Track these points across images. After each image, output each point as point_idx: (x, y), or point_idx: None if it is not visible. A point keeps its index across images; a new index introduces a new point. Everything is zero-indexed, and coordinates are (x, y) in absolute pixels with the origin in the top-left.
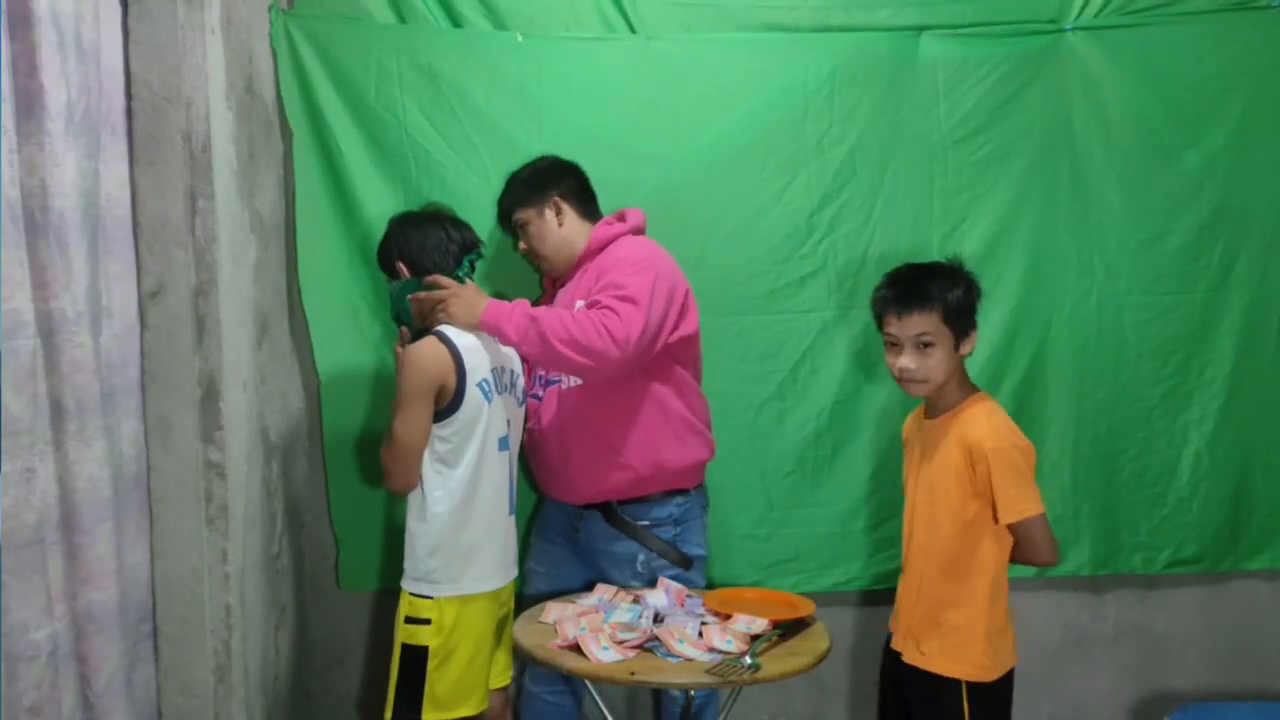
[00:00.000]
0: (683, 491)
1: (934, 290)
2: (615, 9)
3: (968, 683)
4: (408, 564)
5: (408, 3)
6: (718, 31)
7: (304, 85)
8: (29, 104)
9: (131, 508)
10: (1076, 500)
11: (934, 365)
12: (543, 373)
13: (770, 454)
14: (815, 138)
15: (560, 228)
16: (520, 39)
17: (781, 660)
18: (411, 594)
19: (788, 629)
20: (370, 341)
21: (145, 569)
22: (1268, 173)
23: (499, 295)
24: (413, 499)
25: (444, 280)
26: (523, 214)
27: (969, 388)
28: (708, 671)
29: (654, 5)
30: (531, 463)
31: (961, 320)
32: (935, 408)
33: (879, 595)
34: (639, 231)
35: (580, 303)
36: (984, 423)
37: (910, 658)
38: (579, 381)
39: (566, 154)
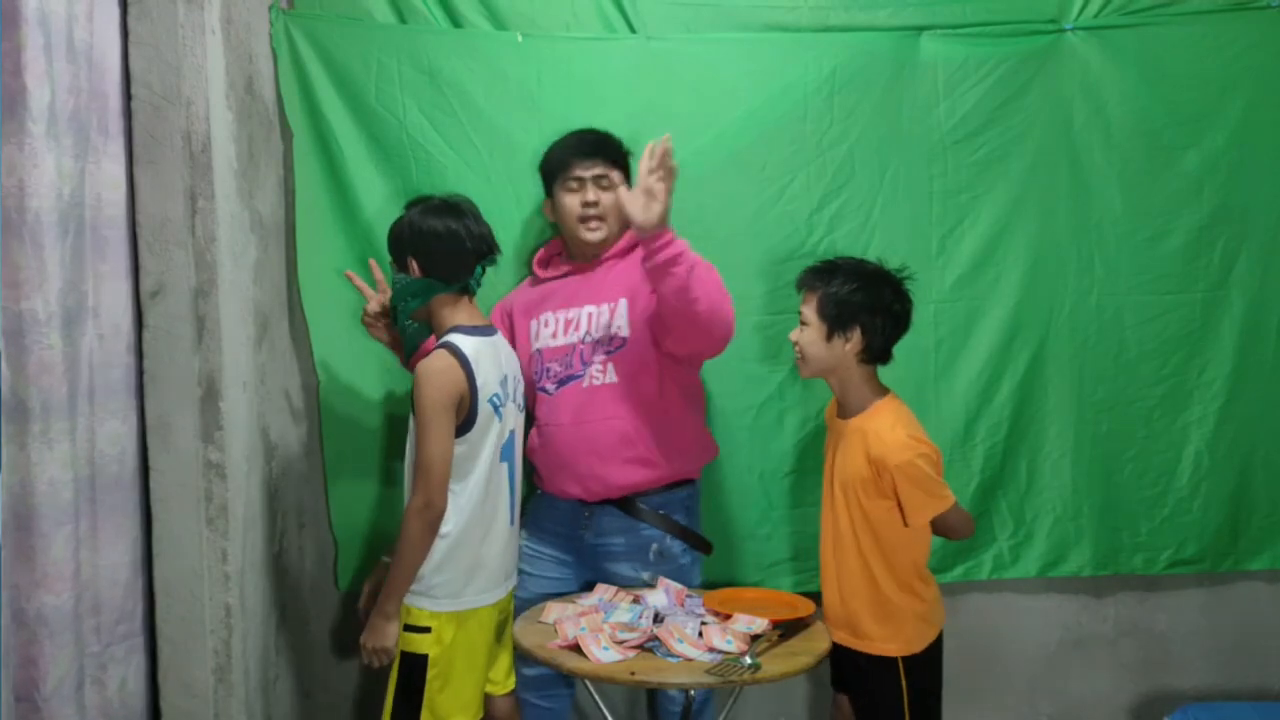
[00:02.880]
0: (690, 481)
1: (818, 281)
2: (615, 9)
3: (903, 657)
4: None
5: (408, 3)
6: (718, 31)
7: (304, 85)
8: (11, 104)
9: (113, 508)
10: (1076, 500)
11: (804, 343)
12: (558, 368)
13: (770, 454)
14: (815, 138)
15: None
16: (520, 39)
17: (781, 660)
18: (411, 604)
19: (788, 629)
20: (370, 341)
21: (126, 570)
22: (1268, 173)
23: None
24: None
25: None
26: (621, 177)
27: (876, 390)
28: (708, 671)
29: (654, 5)
30: (541, 459)
31: (836, 315)
32: (844, 407)
33: None
34: None
35: (623, 300)
36: (888, 437)
37: (846, 642)
38: (602, 381)
39: None
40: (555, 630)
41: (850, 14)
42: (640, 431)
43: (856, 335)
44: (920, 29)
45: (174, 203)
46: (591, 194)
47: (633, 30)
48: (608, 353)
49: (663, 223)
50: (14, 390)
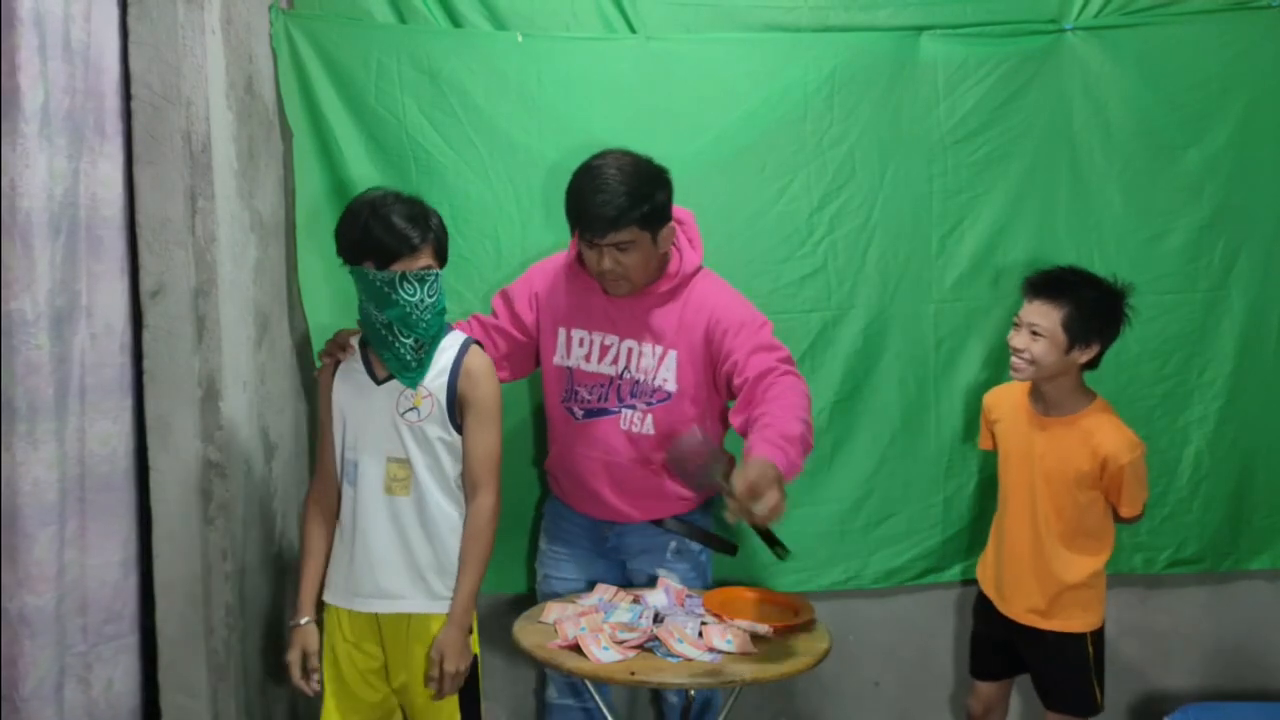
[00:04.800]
0: None
1: (1062, 294)
2: (615, 9)
3: (1091, 632)
4: (443, 585)
5: (408, 3)
6: (718, 31)
7: (304, 85)
8: (4, 105)
9: (103, 509)
10: None
11: (1038, 352)
12: (588, 395)
13: None
14: (815, 138)
15: (660, 253)
16: (520, 39)
17: (781, 660)
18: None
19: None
20: None
21: (115, 570)
22: (1268, 172)
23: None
24: (453, 518)
25: (760, 483)
26: (639, 234)
27: (1087, 394)
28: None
29: (654, 5)
30: (569, 482)
31: (1083, 329)
32: (1051, 405)
33: (879, 594)
34: (695, 243)
35: (673, 353)
36: (1116, 437)
37: (1031, 621)
38: (639, 430)
39: (566, 154)
40: (555, 630)
41: (850, 14)
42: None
43: (1095, 348)
44: (920, 29)
45: (174, 203)
46: (609, 262)
47: (633, 30)
48: (648, 404)
49: (781, 487)
50: (0, 390)
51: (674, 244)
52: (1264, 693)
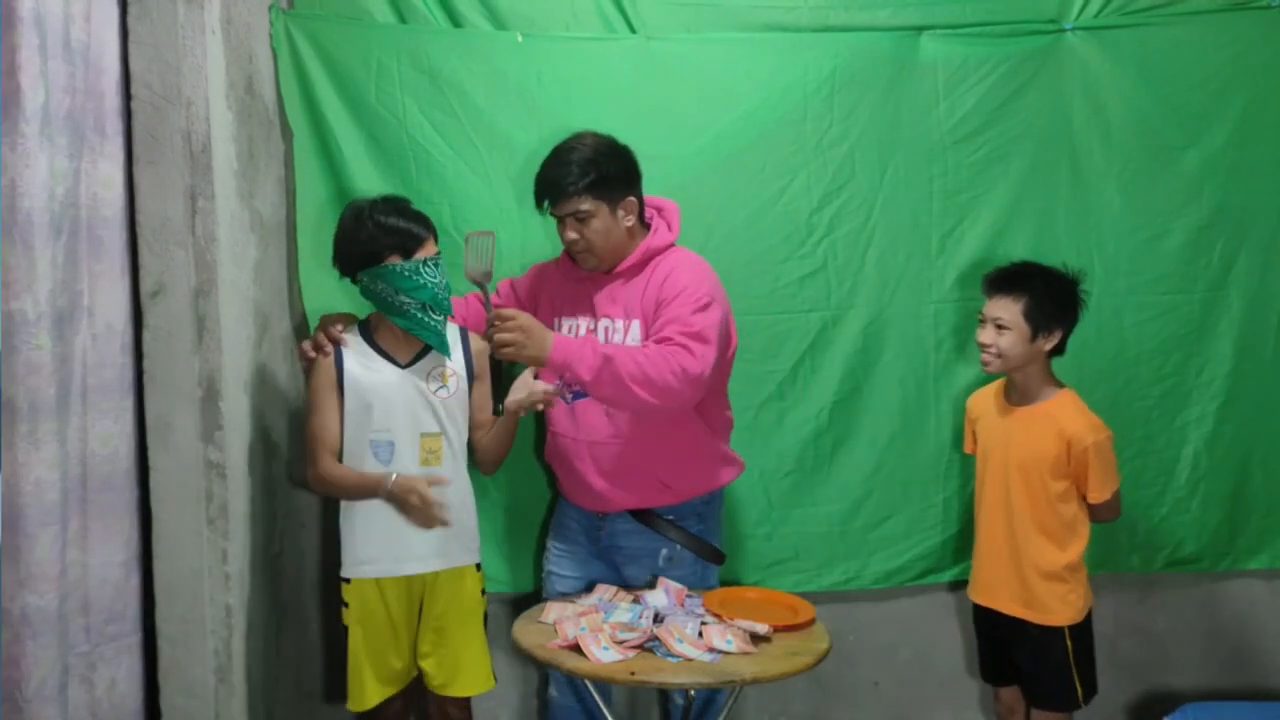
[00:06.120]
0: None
1: (1020, 286)
2: (615, 9)
3: (1069, 626)
4: (472, 540)
5: (408, 3)
6: (718, 31)
7: (304, 85)
8: (4, 105)
9: (104, 509)
10: None
11: (1005, 345)
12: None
13: (770, 454)
14: (815, 138)
15: (627, 227)
16: (520, 39)
17: (781, 660)
18: (477, 564)
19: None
20: None
21: (117, 570)
22: (1267, 173)
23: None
24: (467, 478)
25: (507, 312)
26: (594, 204)
27: (1056, 383)
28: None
29: (654, 5)
30: (560, 470)
31: (1043, 317)
32: (1021, 394)
33: (879, 594)
34: (673, 227)
35: (636, 322)
36: (1080, 420)
37: (1013, 611)
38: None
39: None
40: (555, 630)
41: (850, 14)
42: (657, 459)
43: (1057, 334)
44: (920, 29)
45: (174, 203)
46: (570, 233)
47: (633, 30)
48: None
49: (540, 360)
50: (1, 390)
51: (651, 226)
52: (1262, 692)
